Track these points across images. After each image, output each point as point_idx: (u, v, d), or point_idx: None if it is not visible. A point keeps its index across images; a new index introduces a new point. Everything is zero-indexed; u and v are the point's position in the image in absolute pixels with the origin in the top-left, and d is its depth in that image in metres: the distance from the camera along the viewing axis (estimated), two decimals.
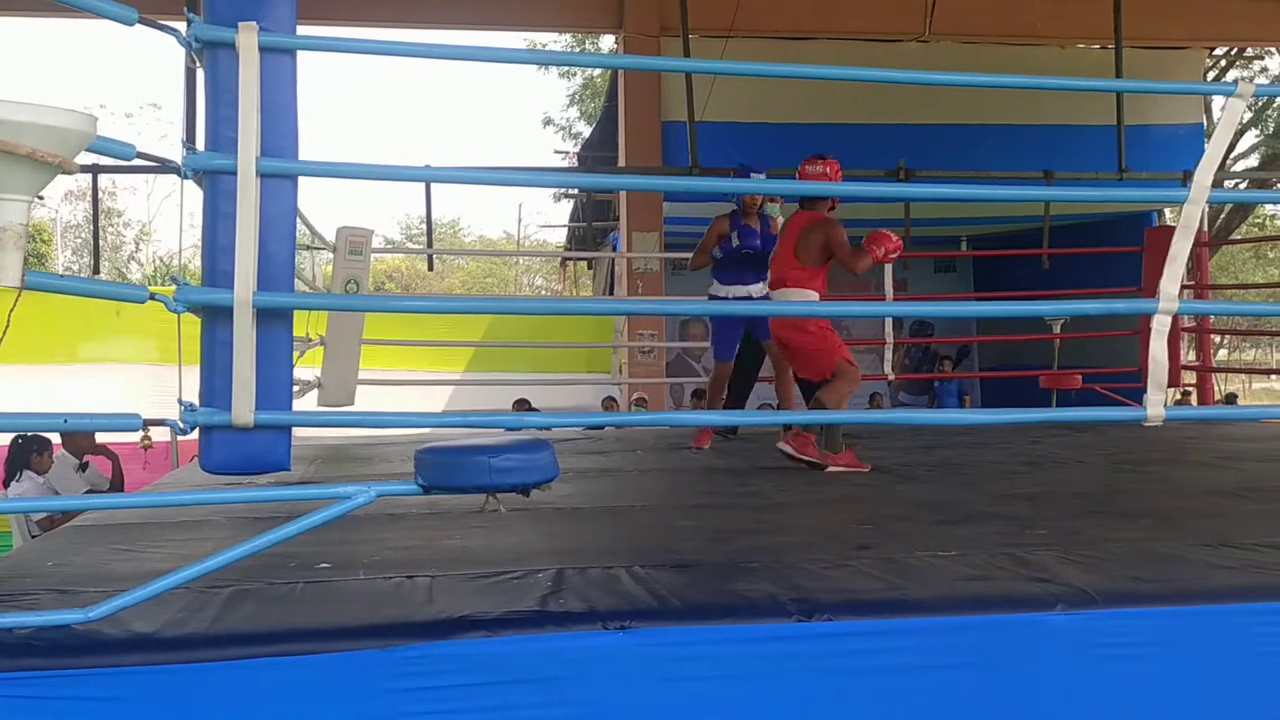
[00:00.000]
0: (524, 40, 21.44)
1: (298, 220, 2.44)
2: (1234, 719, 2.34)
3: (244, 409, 2.28)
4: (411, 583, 2.56)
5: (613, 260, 13.46)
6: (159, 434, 6.69)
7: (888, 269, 8.55)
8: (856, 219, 11.59)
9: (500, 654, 2.12)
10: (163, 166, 2.41)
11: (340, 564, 2.79)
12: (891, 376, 9.51)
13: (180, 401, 2.28)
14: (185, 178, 2.32)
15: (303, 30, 2.40)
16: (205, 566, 2.22)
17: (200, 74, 2.41)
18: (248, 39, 2.25)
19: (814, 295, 5.18)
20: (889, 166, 9.22)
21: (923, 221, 10.41)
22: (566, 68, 22.22)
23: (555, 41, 20.70)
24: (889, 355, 9.05)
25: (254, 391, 2.28)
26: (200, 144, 2.32)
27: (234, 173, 2.26)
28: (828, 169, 5.28)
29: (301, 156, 2.41)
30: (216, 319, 2.30)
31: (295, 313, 2.50)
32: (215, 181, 2.31)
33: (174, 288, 2.28)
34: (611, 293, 13.78)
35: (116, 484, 7.33)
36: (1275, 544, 2.88)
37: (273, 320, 2.34)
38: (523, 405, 9.74)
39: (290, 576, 2.61)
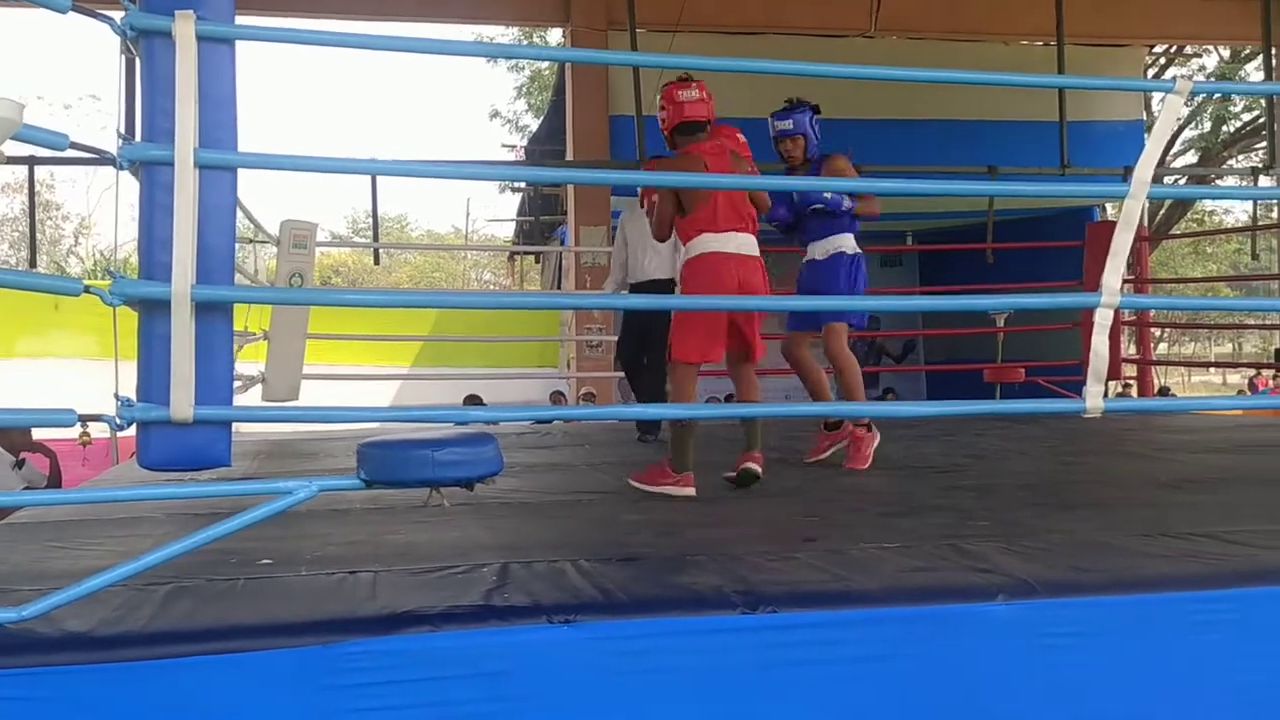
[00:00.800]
0: (472, 33, 21.30)
1: (238, 213, 2.41)
2: (1168, 704, 2.38)
3: (183, 404, 2.24)
4: (354, 578, 2.53)
5: (560, 254, 13.44)
6: (99, 430, 6.59)
7: None
8: None
9: (443, 649, 2.11)
10: (99, 158, 2.36)
11: (282, 560, 2.76)
12: None
13: (116, 396, 2.24)
14: (121, 169, 2.28)
15: (243, 20, 2.37)
16: (142, 564, 2.18)
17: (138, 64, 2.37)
18: (184, 28, 2.21)
19: None
20: None
21: (868, 216, 10.49)
22: (514, 61, 22.15)
23: (503, 35, 20.63)
24: None
25: (193, 386, 2.24)
26: (138, 135, 2.28)
27: (171, 164, 2.22)
28: (704, 94, 4.30)
29: (242, 148, 2.38)
30: (154, 313, 2.26)
31: (238, 306, 2.46)
32: (152, 173, 2.26)
33: (110, 281, 2.24)
34: (559, 286, 13.77)
35: (54, 481, 7.21)
36: (1209, 534, 2.93)
37: (212, 314, 2.31)
38: (474, 401, 9.71)
39: (230, 573, 2.57)
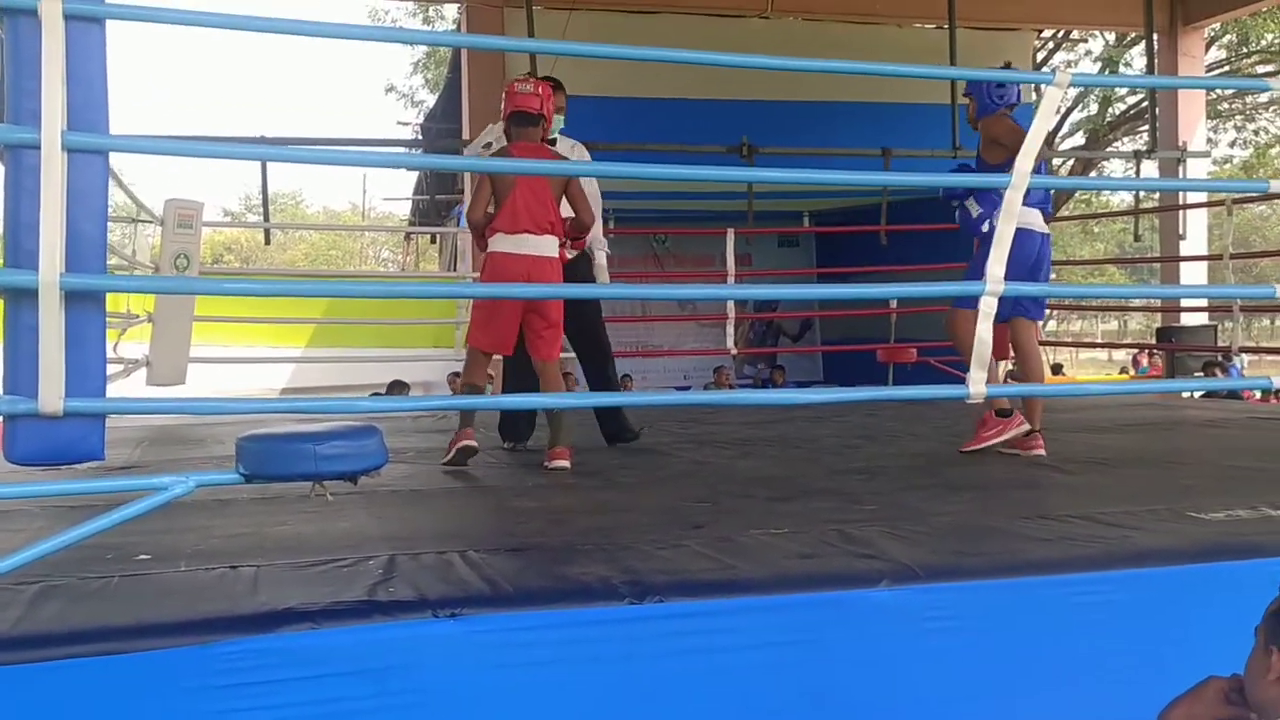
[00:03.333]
0: (365, 6, 20.93)
1: (119, 191, 2.34)
2: (1048, 685, 2.44)
3: (52, 396, 2.17)
4: (235, 573, 2.47)
5: (456, 235, 13.31)
6: None
7: (730, 244, 8.65)
8: (702, 192, 11.76)
9: (325, 646, 2.07)
10: None
11: (161, 555, 2.68)
12: (734, 351, 9.68)
13: None
14: None
15: None
16: (10, 562, 2.11)
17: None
18: (51, 7, 2.13)
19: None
20: (732, 142, 9.33)
21: (766, 195, 10.58)
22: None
23: (398, 8, 20.32)
24: (731, 330, 9.18)
25: (63, 378, 2.17)
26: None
27: (37, 147, 2.15)
28: (539, 90, 4.52)
29: (119, 124, 2.31)
30: (21, 302, 2.19)
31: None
32: (17, 156, 2.19)
33: None
34: (455, 268, 13.64)
35: None
36: (1085, 515, 3.01)
37: (83, 302, 2.24)
38: (398, 387, 9.61)
39: (105, 570, 2.49)
